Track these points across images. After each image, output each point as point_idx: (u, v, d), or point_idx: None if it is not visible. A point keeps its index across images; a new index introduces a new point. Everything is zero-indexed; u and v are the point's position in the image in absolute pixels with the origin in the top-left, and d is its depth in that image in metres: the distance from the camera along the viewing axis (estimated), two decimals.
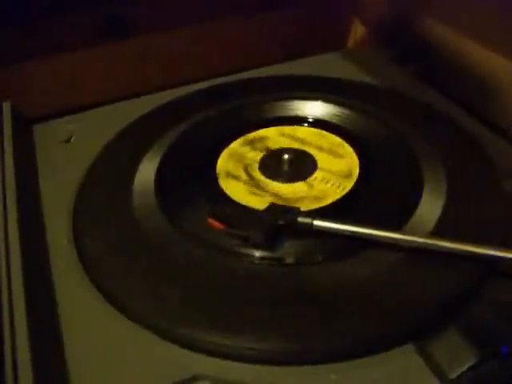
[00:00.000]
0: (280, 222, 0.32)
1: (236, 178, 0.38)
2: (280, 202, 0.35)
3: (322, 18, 0.60)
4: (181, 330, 0.27)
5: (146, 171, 0.38)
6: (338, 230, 0.31)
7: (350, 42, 0.62)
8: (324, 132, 0.42)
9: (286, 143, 0.42)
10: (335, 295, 0.28)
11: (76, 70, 0.52)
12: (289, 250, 0.31)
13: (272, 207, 0.33)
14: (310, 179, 0.37)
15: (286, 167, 0.39)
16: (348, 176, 0.37)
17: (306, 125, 0.44)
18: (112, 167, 0.40)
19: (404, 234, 0.30)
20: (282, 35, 0.60)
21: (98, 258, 0.32)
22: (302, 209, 0.33)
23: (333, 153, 0.40)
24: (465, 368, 0.24)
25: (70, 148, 0.43)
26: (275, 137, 0.42)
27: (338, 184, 0.37)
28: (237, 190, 0.37)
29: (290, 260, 0.31)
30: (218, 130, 0.43)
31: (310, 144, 0.41)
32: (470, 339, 0.25)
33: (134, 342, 0.27)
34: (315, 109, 0.45)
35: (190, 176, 0.39)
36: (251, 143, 0.42)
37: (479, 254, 0.28)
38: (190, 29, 0.55)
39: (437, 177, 0.36)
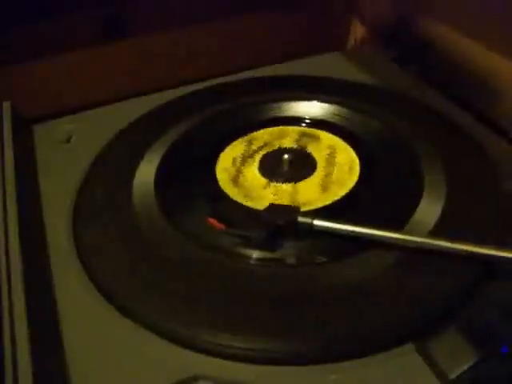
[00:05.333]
0: (280, 222, 0.32)
1: (236, 177, 0.38)
2: (280, 202, 0.35)
3: (322, 17, 0.60)
4: (181, 329, 0.27)
5: (146, 171, 0.38)
6: (338, 230, 0.31)
7: (350, 42, 0.62)
8: (324, 132, 0.42)
9: (285, 143, 0.42)
10: (335, 295, 0.28)
11: (76, 69, 0.52)
12: (289, 250, 0.32)
13: (272, 207, 0.33)
14: (310, 179, 0.37)
15: (285, 167, 0.39)
16: (348, 176, 0.37)
17: (305, 125, 0.44)
18: (112, 167, 0.40)
19: (404, 234, 0.30)
20: (282, 35, 0.60)
21: (98, 258, 0.32)
22: (302, 209, 0.33)
23: (333, 153, 0.40)
24: (465, 368, 0.24)
25: (69, 148, 0.43)
26: (275, 137, 0.42)
27: (337, 184, 0.37)
28: (237, 190, 0.37)
29: (290, 260, 0.31)
30: (218, 130, 0.43)
31: (309, 144, 0.41)
32: (469, 339, 0.25)
33: (134, 341, 0.27)
34: (315, 109, 0.45)
35: (190, 176, 0.39)
36: (251, 143, 0.42)
37: (479, 253, 0.28)
38: (190, 29, 0.55)
39: (437, 177, 0.36)
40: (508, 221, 0.32)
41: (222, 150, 0.41)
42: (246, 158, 0.40)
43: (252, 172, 0.39)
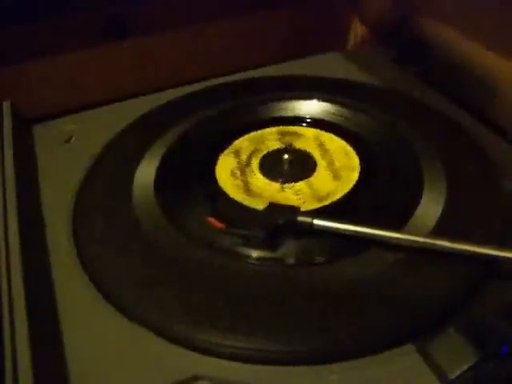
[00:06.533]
0: (280, 221, 0.32)
1: (236, 177, 0.38)
2: (280, 202, 0.35)
3: (322, 17, 0.60)
4: (181, 329, 0.27)
5: (146, 171, 0.38)
6: (338, 229, 0.31)
7: (350, 42, 0.62)
8: (324, 132, 0.42)
9: (285, 143, 0.42)
10: (335, 295, 0.28)
11: (76, 69, 0.52)
12: (289, 250, 0.31)
13: (272, 207, 0.33)
14: (310, 179, 0.37)
15: (285, 167, 0.39)
16: (348, 176, 0.37)
17: (305, 125, 0.44)
18: (112, 167, 0.40)
19: (404, 234, 0.30)
20: (281, 35, 0.60)
21: (98, 258, 0.32)
22: (302, 208, 0.33)
23: (332, 153, 0.40)
24: (465, 368, 0.24)
25: (69, 148, 0.43)
26: (275, 137, 0.42)
27: (337, 184, 0.37)
28: (237, 190, 0.37)
29: (289, 260, 0.31)
30: (218, 130, 0.43)
31: (309, 144, 0.41)
32: (470, 339, 0.25)
33: (134, 342, 0.27)
34: (315, 109, 0.45)
35: (190, 176, 0.39)
36: (251, 143, 0.42)
37: (479, 253, 0.28)
38: (190, 29, 0.55)
39: (437, 177, 0.36)
40: (508, 220, 0.32)
41: (221, 150, 0.41)
42: (246, 158, 0.40)
43: (252, 172, 0.39)
